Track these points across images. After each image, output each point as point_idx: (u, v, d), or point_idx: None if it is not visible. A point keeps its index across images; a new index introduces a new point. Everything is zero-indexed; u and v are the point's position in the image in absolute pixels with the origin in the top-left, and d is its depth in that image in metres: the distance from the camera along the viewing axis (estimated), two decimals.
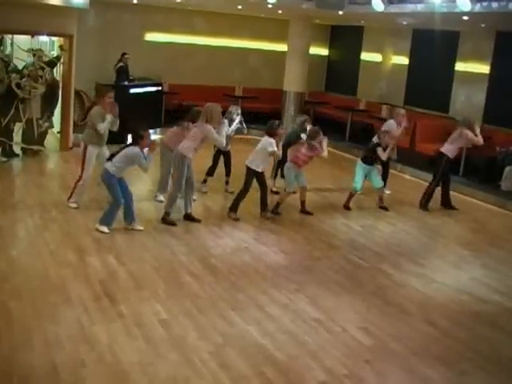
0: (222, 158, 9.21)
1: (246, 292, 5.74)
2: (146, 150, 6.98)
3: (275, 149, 7.83)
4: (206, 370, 4.32)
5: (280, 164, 9.13)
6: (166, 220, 7.51)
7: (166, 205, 7.64)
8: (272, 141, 7.82)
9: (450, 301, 6.01)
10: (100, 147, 7.83)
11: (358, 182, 8.89)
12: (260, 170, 7.92)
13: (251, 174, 7.92)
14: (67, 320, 4.90)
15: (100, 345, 4.54)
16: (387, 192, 9.90)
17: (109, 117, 7.73)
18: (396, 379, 4.50)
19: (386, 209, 9.07)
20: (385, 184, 9.88)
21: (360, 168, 8.91)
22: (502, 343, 5.22)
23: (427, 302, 5.93)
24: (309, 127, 9.05)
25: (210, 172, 9.20)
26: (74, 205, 7.89)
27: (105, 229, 7.03)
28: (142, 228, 7.22)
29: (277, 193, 9.14)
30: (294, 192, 8.49)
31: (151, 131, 12.37)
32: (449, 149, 9.13)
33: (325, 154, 8.34)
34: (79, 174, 7.86)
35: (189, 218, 7.69)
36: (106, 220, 7.08)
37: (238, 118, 9.10)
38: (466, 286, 6.44)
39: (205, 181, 9.20)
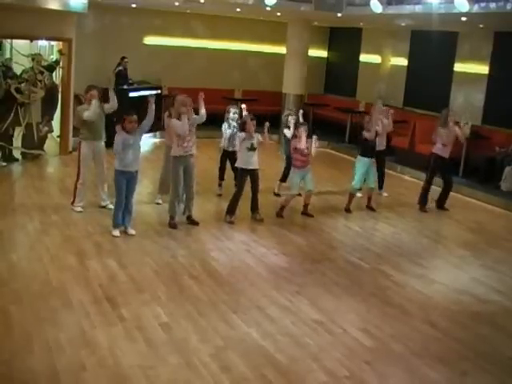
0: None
1: (246, 294, 5.75)
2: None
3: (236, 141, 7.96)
4: (206, 372, 4.32)
5: (288, 168, 9.02)
6: (169, 224, 7.54)
7: (168, 209, 7.68)
8: (240, 134, 7.87)
9: (450, 301, 6.02)
10: (94, 141, 7.74)
11: (358, 180, 8.75)
12: (244, 167, 7.88)
13: (240, 173, 7.96)
14: (68, 324, 4.90)
15: (101, 348, 4.54)
16: (385, 194, 9.90)
17: (93, 102, 7.67)
18: (397, 380, 4.50)
19: (373, 209, 9.00)
20: (382, 186, 9.88)
21: (360, 164, 8.74)
22: (503, 343, 5.22)
23: (427, 302, 5.94)
24: (292, 121, 8.86)
25: (221, 175, 9.17)
26: (79, 208, 7.86)
27: (115, 232, 7.03)
28: (133, 232, 7.18)
29: (278, 195, 9.15)
30: (299, 194, 8.48)
31: (151, 134, 12.32)
32: (435, 146, 9.15)
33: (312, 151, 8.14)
34: (76, 173, 7.89)
35: (189, 220, 7.72)
36: (113, 221, 7.09)
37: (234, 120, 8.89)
38: (465, 286, 6.44)
39: (220, 184, 9.20)
